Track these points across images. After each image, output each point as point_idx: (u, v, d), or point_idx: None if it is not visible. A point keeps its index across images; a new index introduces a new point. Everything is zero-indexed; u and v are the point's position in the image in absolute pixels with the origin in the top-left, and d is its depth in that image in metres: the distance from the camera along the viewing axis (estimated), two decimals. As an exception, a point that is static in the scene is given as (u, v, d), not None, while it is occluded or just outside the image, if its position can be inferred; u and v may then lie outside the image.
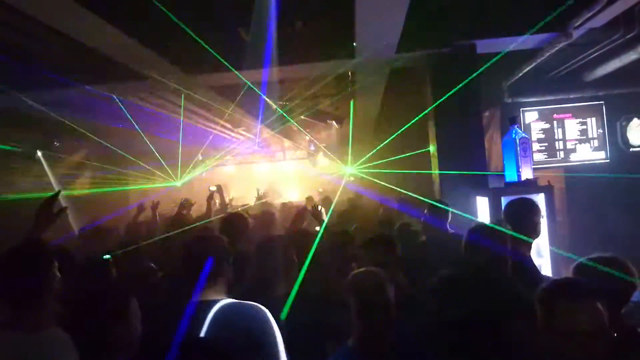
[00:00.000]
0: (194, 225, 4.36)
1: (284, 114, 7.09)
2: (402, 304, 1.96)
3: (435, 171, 5.06)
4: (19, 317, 1.80)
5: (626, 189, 5.91)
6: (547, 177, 4.39)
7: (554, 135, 6.25)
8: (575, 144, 6.25)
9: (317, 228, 4.17)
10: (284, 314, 2.17)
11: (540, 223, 2.81)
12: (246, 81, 5.09)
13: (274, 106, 7.11)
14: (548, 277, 2.78)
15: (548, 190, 3.97)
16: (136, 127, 6.77)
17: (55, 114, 5.76)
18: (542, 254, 3.70)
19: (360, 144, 8.54)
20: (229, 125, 8.57)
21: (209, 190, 5.47)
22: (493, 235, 2.34)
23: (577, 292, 1.64)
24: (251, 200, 7.57)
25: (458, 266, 2.45)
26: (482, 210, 4.37)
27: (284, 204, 7.51)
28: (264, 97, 6.57)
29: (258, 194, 7.35)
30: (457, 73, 4.61)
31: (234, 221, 3.43)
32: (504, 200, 3.85)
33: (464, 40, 4.67)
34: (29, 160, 7.21)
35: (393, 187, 5.63)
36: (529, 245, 2.74)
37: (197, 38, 3.76)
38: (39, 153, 7.42)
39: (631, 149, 6.25)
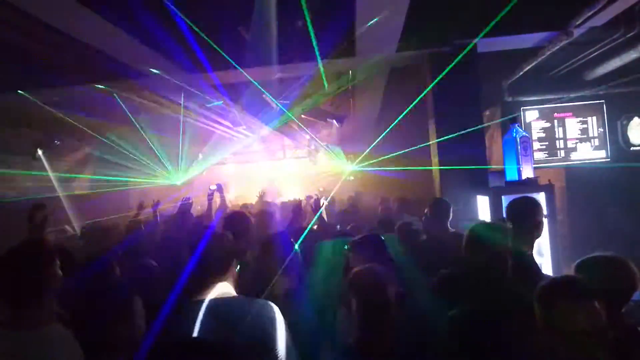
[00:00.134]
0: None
1: (285, 112, 7.08)
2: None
3: (436, 170, 5.06)
4: (19, 316, 1.80)
5: (627, 188, 5.92)
6: (548, 176, 4.39)
7: (555, 134, 6.25)
8: (576, 143, 6.25)
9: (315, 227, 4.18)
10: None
11: (543, 222, 2.80)
12: (251, 79, 5.09)
13: (274, 104, 7.11)
14: (549, 276, 2.78)
15: (548, 189, 3.97)
16: (137, 125, 6.78)
17: (56, 112, 5.76)
18: (542, 253, 3.71)
19: (361, 143, 8.54)
20: (229, 124, 8.57)
21: (209, 189, 5.47)
22: (493, 234, 2.34)
23: (576, 291, 1.64)
24: (252, 199, 7.57)
25: (458, 265, 2.45)
26: (483, 209, 4.37)
27: (283, 203, 7.52)
28: (264, 95, 6.57)
29: (260, 193, 7.36)
30: (458, 72, 4.61)
31: (235, 219, 3.43)
32: (505, 199, 3.85)
33: (465, 39, 4.67)
34: (29, 158, 7.22)
35: (393, 186, 5.63)
36: (531, 244, 2.74)
37: (201, 35, 3.75)
38: (40, 151, 7.43)
39: (632, 148, 6.25)
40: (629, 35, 4.33)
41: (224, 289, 1.93)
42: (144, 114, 6.90)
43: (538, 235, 2.80)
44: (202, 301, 1.87)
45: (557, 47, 4.49)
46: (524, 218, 2.74)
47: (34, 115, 6.07)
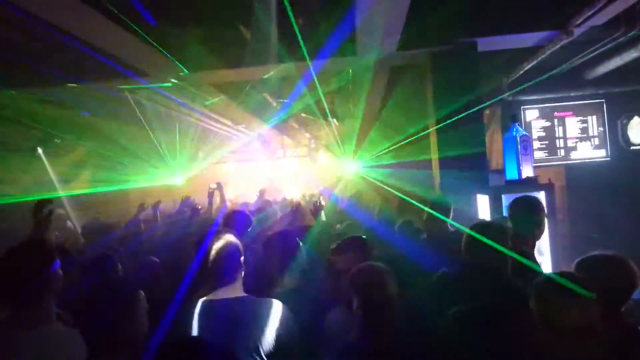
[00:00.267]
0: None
1: (285, 111, 7.09)
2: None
3: (436, 169, 5.06)
4: (20, 315, 1.80)
5: (626, 187, 5.92)
6: (548, 175, 4.40)
7: (555, 133, 6.25)
8: (576, 142, 6.25)
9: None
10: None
11: (544, 221, 2.81)
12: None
13: (275, 103, 7.10)
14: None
15: (548, 188, 3.97)
16: (137, 123, 6.77)
17: (56, 110, 5.76)
18: (542, 252, 3.71)
19: (361, 142, 8.54)
20: (229, 123, 8.57)
21: (210, 187, 5.48)
22: (493, 233, 2.34)
23: (569, 287, 1.63)
24: (252, 198, 7.57)
25: (458, 264, 2.46)
26: (483, 208, 4.37)
27: (283, 200, 7.51)
28: (265, 94, 6.57)
29: (260, 192, 7.36)
30: (458, 71, 4.61)
31: (236, 218, 3.44)
32: (505, 198, 3.86)
33: (465, 38, 4.66)
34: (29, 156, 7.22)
35: (394, 185, 5.63)
36: (532, 243, 2.74)
37: (200, 34, 3.75)
38: (40, 150, 7.42)
39: (632, 147, 6.25)
40: (629, 35, 4.32)
41: (231, 288, 1.94)
42: (144, 112, 6.89)
43: (540, 235, 2.81)
44: (211, 301, 1.88)
45: (558, 46, 4.49)
46: (526, 217, 2.74)
47: (34, 113, 6.07)
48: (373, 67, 5.37)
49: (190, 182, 8.39)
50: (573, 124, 6.26)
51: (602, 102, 6.20)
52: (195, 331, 1.78)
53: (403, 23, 4.08)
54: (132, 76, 4.98)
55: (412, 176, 5.61)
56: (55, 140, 7.50)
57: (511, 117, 4.42)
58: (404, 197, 5.13)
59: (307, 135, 10.84)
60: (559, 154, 6.24)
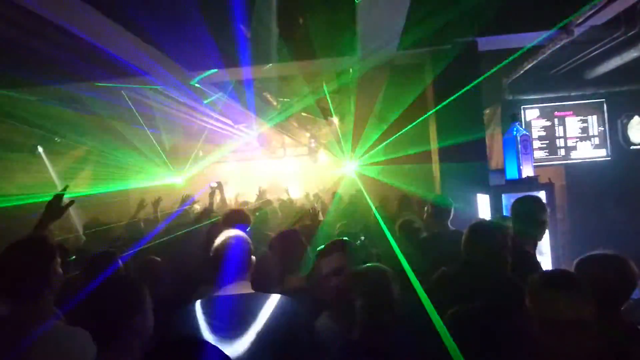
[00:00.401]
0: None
1: (285, 110, 7.09)
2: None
3: (436, 169, 5.06)
4: (19, 312, 1.81)
5: (627, 187, 5.92)
6: (548, 175, 4.40)
7: (555, 133, 6.26)
8: (576, 142, 6.26)
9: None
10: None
11: (547, 221, 2.80)
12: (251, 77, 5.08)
13: (275, 102, 7.11)
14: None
15: (549, 187, 3.97)
16: (137, 122, 6.78)
17: (56, 108, 5.77)
18: (542, 252, 3.71)
19: (361, 141, 8.53)
20: (229, 122, 8.57)
21: (210, 187, 5.48)
22: (493, 232, 2.34)
23: (560, 280, 1.65)
24: (252, 198, 7.57)
25: (458, 263, 2.46)
26: (483, 208, 4.37)
27: (282, 201, 7.51)
28: (265, 93, 6.58)
29: (259, 191, 7.36)
30: (458, 70, 4.61)
31: (236, 217, 3.44)
32: (505, 198, 3.86)
33: (465, 38, 4.66)
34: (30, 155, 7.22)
35: (394, 184, 5.64)
36: (534, 243, 2.74)
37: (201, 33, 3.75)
38: (40, 148, 7.43)
39: (632, 147, 6.25)
40: (629, 34, 4.32)
41: (241, 285, 1.94)
42: (144, 111, 6.90)
43: (541, 235, 2.80)
44: (221, 297, 1.88)
45: (558, 45, 4.49)
46: (528, 217, 2.74)
47: (34, 112, 6.07)
48: (374, 67, 5.37)
49: (190, 182, 8.40)
50: (573, 124, 6.26)
51: (603, 101, 6.20)
52: (205, 328, 1.78)
53: (403, 22, 4.08)
54: (134, 76, 4.98)
55: (412, 176, 5.61)
56: (56, 139, 7.51)
57: (511, 116, 4.42)
58: (404, 195, 5.14)
59: (307, 134, 10.84)
60: (559, 154, 6.25)
